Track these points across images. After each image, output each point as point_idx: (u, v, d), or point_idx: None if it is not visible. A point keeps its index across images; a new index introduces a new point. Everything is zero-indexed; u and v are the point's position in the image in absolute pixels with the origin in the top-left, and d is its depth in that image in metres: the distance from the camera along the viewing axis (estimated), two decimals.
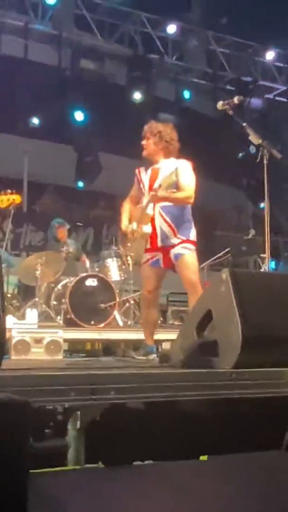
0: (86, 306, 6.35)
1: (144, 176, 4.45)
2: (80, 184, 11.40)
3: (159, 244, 4.33)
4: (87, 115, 10.40)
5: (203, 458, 2.10)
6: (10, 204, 4.95)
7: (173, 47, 11.21)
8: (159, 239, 4.32)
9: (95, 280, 6.51)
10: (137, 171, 4.53)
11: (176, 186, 4.17)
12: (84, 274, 6.59)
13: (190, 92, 11.26)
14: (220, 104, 4.15)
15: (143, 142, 4.42)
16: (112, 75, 10.70)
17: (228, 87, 11.33)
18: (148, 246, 4.35)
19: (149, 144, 4.39)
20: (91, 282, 6.47)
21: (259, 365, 2.47)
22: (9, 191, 4.89)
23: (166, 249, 4.33)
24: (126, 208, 4.58)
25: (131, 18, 10.79)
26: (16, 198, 4.90)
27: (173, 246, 4.32)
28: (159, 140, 4.34)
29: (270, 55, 11.89)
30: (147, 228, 4.28)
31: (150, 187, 4.32)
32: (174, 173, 4.10)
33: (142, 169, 4.50)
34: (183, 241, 4.30)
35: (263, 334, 2.57)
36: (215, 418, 2.37)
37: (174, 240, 4.30)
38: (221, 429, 2.35)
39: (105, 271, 6.97)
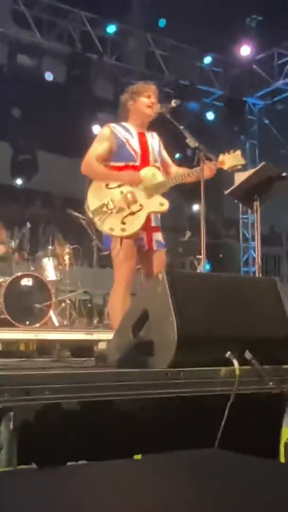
0: (21, 306, 6.28)
1: (130, 137, 4.12)
2: (19, 182, 11.24)
3: (152, 223, 4.07)
4: (24, 112, 10.27)
5: (137, 457, 2.11)
6: None
7: (112, 47, 11.22)
8: (153, 216, 4.07)
9: (31, 279, 6.44)
10: (111, 126, 4.15)
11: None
12: (19, 274, 6.51)
13: None
14: (158, 107, 4.18)
15: (152, 100, 4.17)
16: (50, 72, 10.60)
17: (166, 89, 11.44)
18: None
19: (154, 106, 4.17)
20: (26, 282, 6.40)
21: (194, 364, 2.50)
22: None
23: (152, 228, 4.10)
24: (99, 167, 4.05)
25: (70, 16, 10.72)
26: None
27: (157, 230, 4.15)
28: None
29: (207, 59, 12.09)
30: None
31: (144, 157, 4.11)
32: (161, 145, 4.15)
33: (115, 125, 4.17)
34: (160, 230, 4.14)
35: (198, 333, 2.61)
36: (150, 417, 2.38)
37: (158, 223, 4.14)
38: (155, 428, 2.36)
39: (41, 270, 6.90)
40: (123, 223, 3.97)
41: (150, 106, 4.17)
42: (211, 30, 10.70)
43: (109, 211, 3.98)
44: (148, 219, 4.03)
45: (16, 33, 10.21)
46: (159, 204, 4.06)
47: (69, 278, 7.29)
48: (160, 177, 4.09)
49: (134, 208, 4.00)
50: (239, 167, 4.17)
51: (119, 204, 4.00)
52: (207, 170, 4.02)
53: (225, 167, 4.10)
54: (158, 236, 4.13)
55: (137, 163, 4.09)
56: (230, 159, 4.10)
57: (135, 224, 3.98)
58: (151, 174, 4.08)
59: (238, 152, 4.15)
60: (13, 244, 7.36)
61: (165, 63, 11.76)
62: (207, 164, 4.03)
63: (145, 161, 4.12)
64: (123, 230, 3.96)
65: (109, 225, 3.98)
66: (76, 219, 7.36)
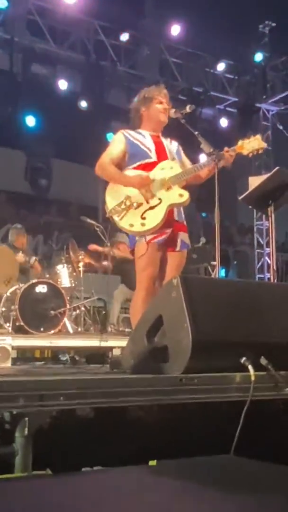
0: (36, 313, 6.28)
1: (143, 139, 4.08)
2: (33, 190, 11.31)
3: (176, 216, 3.95)
4: (38, 121, 10.34)
5: (152, 463, 2.10)
6: None
7: (126, 55, 11.27)
8: (175, 211, 3.95)
9: (45, 286, 6.45)
10: (123, 131, 4.12)
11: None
12: (34, 281, 6.52)
13: None
14: (172, 112, 4.18)
15: (165, 106, 4.13)
16: (65, 81, 10.67)
17: (180, 96, 11.46)
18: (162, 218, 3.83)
19: (168, 111, 4.13)
20: (41, 289, 6.41)
21: (209, 370, 2.49)
22: None
23: (179, 225, 3.97)
24: (113, 169, 4.00)
25: (83, 25, 10.80)
26: None
27: (184, 228, 4.03)
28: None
29: (221, 66, 12.10)
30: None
31: (160, 153, 4.04)
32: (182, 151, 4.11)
33: (128, 130, 4.13)
34: (186, 229, 4.06)
35: (213, 339, 2.59)
36: (165, 423, 2.37)
37: (181, 218, 4.02)
38: (170, 434, 2.35)
39: (55, 277, 6.92)
40: (143, 218, 3.87)
41: (164, 112, 4.14)
42: (224, 36, 10.73)
43: (128, 208, 3.90)
44: (170, 213, 3.91)
45: (30, 42, 10.30)
46: (178, 195, 3.93)
47: (83, 285, 7.30)
48: (178, 169, 4.01)
49: (153, 202, 3.91)
50: (261, 151, 4.01)
51: (137, 200, 3.91)
52: (225, 157, 3.92)
53: (245, 151, 3.97)
54: (184, 236, 4.03)
55: (153, 159, 4.03)
56: (250, 143, 3.97)
57: (155, 218, 3.86)
58: (169, 167, 4.01)
59: (258, 136, 4.02)
60: (33, 258, 7.31)
61: (179, 70, 11.79)
62: (225, 149, 3.94)
63: (161, 157, 4.05)
64: (143, 225, 3.86)
65: (129, 222, 3.89)
66: (90, 227, 7.38)
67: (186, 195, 3.94)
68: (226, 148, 3.96)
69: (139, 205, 3.91)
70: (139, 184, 3.93)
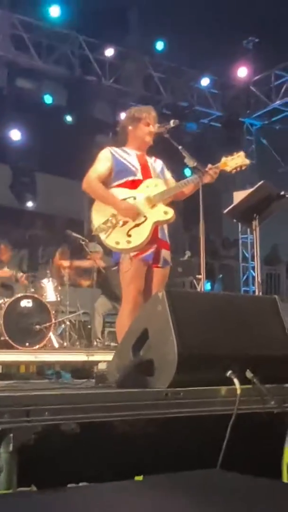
0: (20, 327, 6.26)
1: (128, 157, 4.13)
2: (18, 204, 11.29)
3: (159, 234, 4.01)
4: (24, 135, 10.35)
5: (138, 478, 2.08)
6: None
7: (111, 70, 11.33)
8: (159, 229, 4.00)
9: (31, 301, 6.43)
10: (109, 149, 4.17)
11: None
12: (19, 295, 6.50)
13: None
14: (156, 127, 4.21)
15: (151, 130, 4.17)
16: (50, 95, 10.70)
17: (165, 111, 11.53)
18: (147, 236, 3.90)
19: (153, 134, 4.18)
20: (26, 303, 6.39)
21: (195, 383, 2.48)
22: None
23: (162, 243, 4.04)
24: (100, 188, 4.04)
25: (69, 40, 10.85)
26: None
27: (167, 246, 4.10)
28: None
29: (205, 81, 12.21)
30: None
31: (145, 172, 4.10)
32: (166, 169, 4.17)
33: (114, 148, 4.19)
34: (168, 247, 4.12)
35: (198, 353, 2.60)
36: (151, 437, 2.36)
37: (165, 237, 4.09)
38: (156, 448, 2.34)
39: (41, 291, 6.89)
40: (129, 235, 3.92)
41: (149, 135, 4.19)
42: (208, 52, 10.83)
43: (114, 226, 3.95)
44: (155, 231, 3.97)
45: (15, 56, 10.32)
46: (163, 212, 3.99)
47: (68, 299, 7.27)
48: (162, 187, 4.07)
49: (139, 219, 3.96)
50: (244, 167, 4.07)
51: (123, 218, 3.97)
52: (208, 174, 3.98)
53: (228, 168, 4.03)
54: (166, 254, 4.09)
55: (138, 177, 4.08)
56: (233, 160, 4.03)
57: (141, 235, 3.92)
58: (154, 184, 4.06)
59: (242, 153, 4.08)
60: (20, 274, 7.27)
61: (163, 85, 11.86)
62: (208, 167, 3.99)
63: (146, 175, 4.10)
64: (128, 242, 3.91)
65: (115, 239, 3.94)
66: (75, 241, 7.37)
67: (171, 212, 3.99)
68: (209, 166, 4.02)
69: (125, 222, 3.96)
70: (124, 212, 3.96)
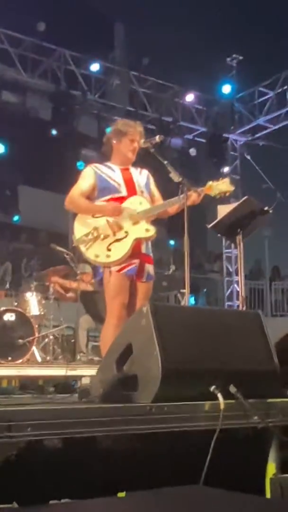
0: (3, 341, 6.19)
1: (112, 173, 4.14)
2: (2, 217, 11.26)
3: (143, 249, 4.06)
4: (8, 148, 10.34)
5: (121, 494, 2.06)
6: None
7: (96, 85, 11.40)
8: (143, 244, 4.06)
9: (13, 315, 6.37)
10: (94, 166, 4.18)
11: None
12: (1, 309, 6.44)
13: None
14: (142, 142, 4.23)
15: (135, 146, 4.19)
16: (35, 109, 10.73)
17: (150, 126, 11.61)
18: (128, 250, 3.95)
19: (136, 151, 4.21)
20: (9, 317, 6.33)
21: (178, 398, 2.47)
22: None
23: (145, 258, 4.07)
24: (83, 202, 4.07)
25: (54, 54, 10.90)
26: None
27: (150, 260, 4.12)
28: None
29: (189, 97, 12.32)
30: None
31: (129, 188, 4.11)
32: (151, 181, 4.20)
33: (97, 165, 4.20)
34: (152, 261, 4.15)
35: (182, 367, 2.59)
36: (134, 453, 2.34)
37: (148, 252, 4.11)
38: (139, 464, 2.32)
39: (24, 305, 6.84)
40: (109, 249, 3.96)
41: (132, 151, 4.21)
42: (193, 68, 10.96)
43: (95, 239, 3.99)
44: (136, 246, 4.00)
45: (1, 70, 10.34)
46: (145, 230, 4.04)
47: (52, 313, 7.23)
48: (146, 205, 4.10)
49: (120, 235, 4.00)
50: (228, 194, 4.13)
51: (104, 232, 4.00)
52: (192, 197, 4.02)
53: (213, 193, 4.08)
54: (150, 268, 4.11)
55: (122, 194, 4.10)
56: (218, 186, 4.08)
57: (120, 250, 3.96)
58: (138, 202, 4.10)
59: (227, 180, 4.15)
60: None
61: (148, 100, 11.95)
62: (193, 190, 4.03)
63: (131, 191, 4.12)
64: (108, 256, 3.95)
65: (95, 252, 3.98)
66: (59, 254, 7.34)
67: (152, 230, 4.06)
68: (194, 189, 4.04)
69: (106, 236, 4.00)
70: (111, 211, 4.02)
